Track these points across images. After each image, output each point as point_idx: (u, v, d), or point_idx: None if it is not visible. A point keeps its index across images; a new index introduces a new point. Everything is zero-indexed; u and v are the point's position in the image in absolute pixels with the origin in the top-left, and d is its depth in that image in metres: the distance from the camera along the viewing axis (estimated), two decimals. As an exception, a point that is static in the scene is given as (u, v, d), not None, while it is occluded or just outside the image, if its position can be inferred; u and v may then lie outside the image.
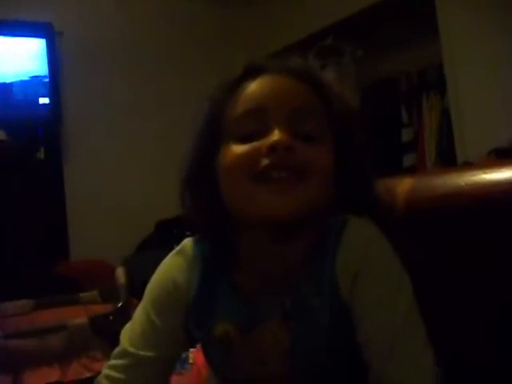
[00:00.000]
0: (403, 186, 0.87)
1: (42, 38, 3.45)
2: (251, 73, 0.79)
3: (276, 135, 0.71)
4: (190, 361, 1.49)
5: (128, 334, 0.81)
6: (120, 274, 2.41)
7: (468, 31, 3.01)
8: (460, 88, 3.03)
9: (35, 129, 3.40)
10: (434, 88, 3.41)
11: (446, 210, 0.81)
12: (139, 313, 0.82)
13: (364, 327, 0.70)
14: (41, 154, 3.42)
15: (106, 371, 0.80)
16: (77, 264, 3.22)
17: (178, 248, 0.85)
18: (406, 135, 3.53)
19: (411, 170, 3.36)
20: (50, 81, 3.44)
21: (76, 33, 3.59)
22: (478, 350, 0.78)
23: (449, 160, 3.19)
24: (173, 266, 0.83)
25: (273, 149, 0.71)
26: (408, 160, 3.51)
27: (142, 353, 0.78)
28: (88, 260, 3.17)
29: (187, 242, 0.84)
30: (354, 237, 0.73)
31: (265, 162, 0.71)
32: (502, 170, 0.79)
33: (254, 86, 0.77)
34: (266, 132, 0.73)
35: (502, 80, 2.87)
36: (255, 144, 0.73)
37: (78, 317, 2.17)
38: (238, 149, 0.73)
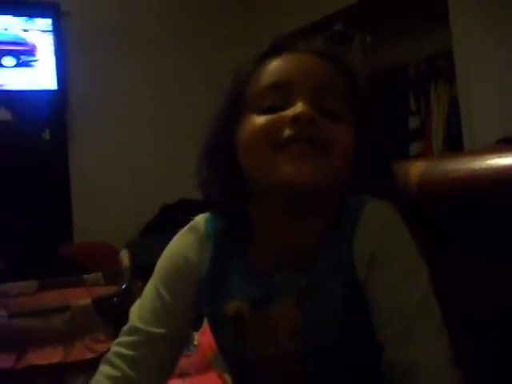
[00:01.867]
0: (416, 169, 0.87)
1: (49, 18, 3.44)
2: (276, 49, 0.80)
3: (300, 107, 0.71)
4: (195, 342, 1.49)
5: (137, 311, 0.81)
6: (124, 256, 2.40)
7: (478, 18, 2.98)
8: (469, 76, 3.00)
9: (41, 109, 3.39)
10: (442, 76, 3.39)
11: (460, 193, 0.81)
12: (149, 290, 0.82)
13: (379, 309, 0.70)
14: (46, 135, 3.41)
15: (115, 348, 0.80)
16: (81, 246, 3.23)
17: (189, 224, 0.84)
18: (414, 123, 3.51)
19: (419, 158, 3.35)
20: (56, 61, 3.43)
21: (83, 13, 3.57)
22: (492, 332, 0.77)
23: (456, 149, 3.18)
24: (184, 242, 0.83)
25: (296, 120, 0.71)
26: (414, 148, 3.50)
27: (151, 329, 0.78)
28: (92, 242, 3.17)
29: (199, 218, 0.84)
30: (373, 218, 0.73)
31: (287, 132, 0.71)
32: (517, 154, 0.78)
33: (279, 61, 0.78)
34: (289, 105, 0.73)
35: (511, 69, 2.85)
36: (279, 115, 0.73)
37: (82, 298, 2.17)
38: (261, 119, 0.73)
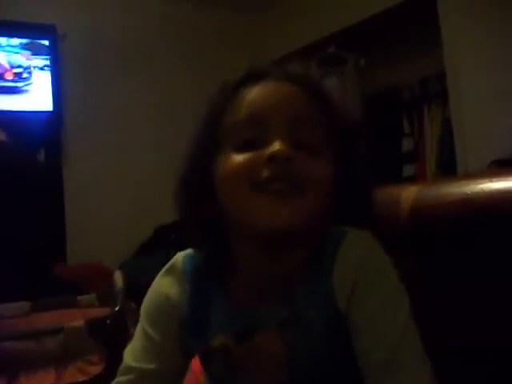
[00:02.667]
0: (408, 193, 0.87)
1: (45, 39, 3.46)
2: (252, 78, 0.79)
3: (276, 145, 0.71)
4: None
5: (130, 351, 0.82)
6: (118, 277, 2.39)
7: (470, 42, 3.02)
8: (462, 98, 3.03)
9: (36, 130, 3.39)
10: (435, 98, 3.42)
11: (452, 218, 0.81)
12: (138, 331, 0.83)
13: (361, 339, 0.70)
14: (41, 156, 3.42)
15: None
16: (75, 267, 3.21)
17: (168, 265, 0.84)
18: (407, 145, 3.54)
19: (411, 181, 3.36)
20: (52, 83, 3.44)
21: (79, 36, 3.60)
22: (481, 359, 0.77)
23: (449, 171, 3.19)
24: (164, 283, 0.82)
25: (273, 159, 0.70)
26: (408, 170, 3.52)
27: (144, 366, 0.79)
28: (86, 263, 3.16)
29: (177, 257, 0.84)
30: (352, 248, 0.72)
31: (265, 173, 0.70)
32: (508, 178, 0.79)
33: (254, 93, 0.76)
34: (265, 141, 0.72)
35: (503, 91, 2.88)
36: (255, 154, 0.72)
37: (75, 320, 2.15)
38: (238, 158, 0.72)
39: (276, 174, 0.70)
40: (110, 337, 2.03)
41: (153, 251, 3.24)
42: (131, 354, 0.81)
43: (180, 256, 0.84)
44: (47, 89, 3.44)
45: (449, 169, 3.20)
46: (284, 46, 3.91)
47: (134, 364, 0.79)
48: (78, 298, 2.38)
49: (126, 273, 2.43)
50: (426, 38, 3.26)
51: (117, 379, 0.81)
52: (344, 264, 0.71)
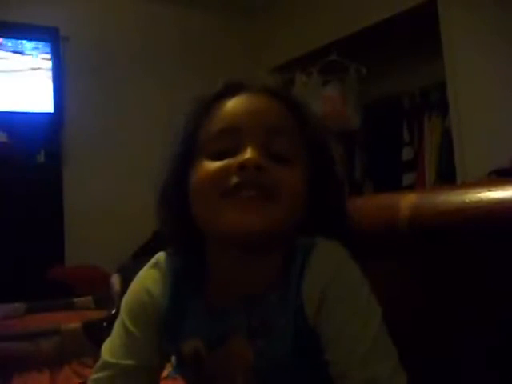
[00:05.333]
0: (407, 201, 0.87)
1: (48, 42, 3.47)
2: (229, 90, 0.80)
3: (247, 154, 0.71)
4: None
5: (108, 346, 0.81)
6: (115, 281, 2.39)
7: (471, 52, 3.03)
8: (462, 108, 3.04)
9: (37, 132, 3.40)
10: (436, 108, 3.43)
11: (450, 226, 0.81)
12: (117, 326, 0.82)
13: (330, 351, 0.70)
14: (41, 157, 3.42)
15: None
16: (72, 269, 3.21)
17: (152, 261, 0.84)
18: (407, 154, 3.54)
19: (410, 189, 3.37)
20: (53, 85, 3.45)
21: (82, 38, 3.61)
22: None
23: (448, 180, 3.20)
24: (148, 277, 0.82)
25: (243, 167, 0.71)
26: (407, 179, 3.52)
27: (123, 362, 0.78)
28: (83, 265, 3.16)
29: (160, 255, 0.84)
30: (322, 261, 0.72)
31: (234, 180, 0.71)
32: (507, 187, 0.79)
33: (230, 105, 0.78)
34: (238, 150, 0.73)
35: (503, 102, 2.89)
36: (227, 161, 0.72)
37: (71, 322, 2.15)
38: (211, 165, 0.73)
39: (245, 181, 0.70)
40: (106, 340, 2.02)
41: (152, 254, 3.23)
42: (109, 350, 0.80)
43: (162, 255, 0.84)
44: (49, 90, 3.45)
45: (448, 178, 3.21)
46: (285, 53, 3.93)
47: (111, 360, 0.78)
48: (75, 300, 2.38)
49: (123, 275, 2.43)
50: (427, 48, 3.27)
51: (94, 375, 0.79)
52: (313, 276, 0.71)
